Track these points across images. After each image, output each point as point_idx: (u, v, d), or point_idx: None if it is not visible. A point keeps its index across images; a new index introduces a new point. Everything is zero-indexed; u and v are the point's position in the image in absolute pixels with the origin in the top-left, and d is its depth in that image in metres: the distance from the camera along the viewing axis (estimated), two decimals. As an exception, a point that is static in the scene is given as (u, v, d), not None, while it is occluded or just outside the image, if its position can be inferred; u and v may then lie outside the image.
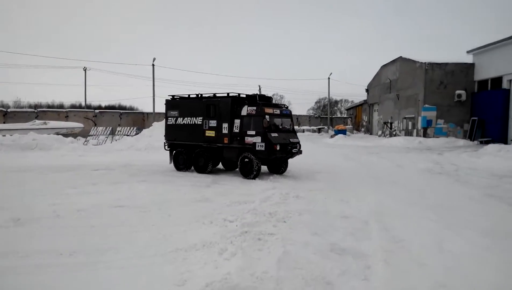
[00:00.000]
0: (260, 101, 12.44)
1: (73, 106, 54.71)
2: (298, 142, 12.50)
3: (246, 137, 11.92)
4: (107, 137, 27.68)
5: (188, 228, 6.40)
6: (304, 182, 11.35)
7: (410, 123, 32.47)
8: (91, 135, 28.38)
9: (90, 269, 4.68)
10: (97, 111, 41.50)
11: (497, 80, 26.92)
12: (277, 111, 12.34)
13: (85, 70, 47.72)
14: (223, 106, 12.54)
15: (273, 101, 13.84)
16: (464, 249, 5.53)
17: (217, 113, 12.63)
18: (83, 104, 48.44)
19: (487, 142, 25.30)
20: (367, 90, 45.31)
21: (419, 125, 30.30)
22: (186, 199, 8.82)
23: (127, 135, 27.19)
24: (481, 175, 13.11)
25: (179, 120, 13.79)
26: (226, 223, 6.68)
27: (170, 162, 14.20)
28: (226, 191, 9.74)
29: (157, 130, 22.98)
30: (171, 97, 14.38)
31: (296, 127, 25.76)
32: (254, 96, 12.69)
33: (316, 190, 10.04)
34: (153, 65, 41.44)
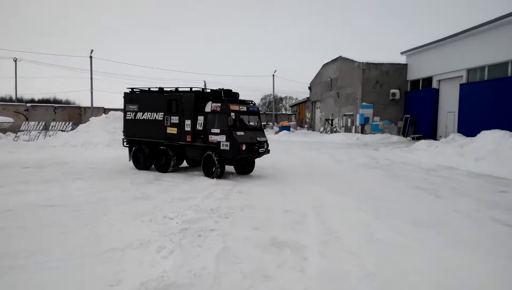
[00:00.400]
0: (226, 97, 11.56)
1: (2, 100, 50.76)
2: (266, 141, 11.72)
3: (210, 136, 11.11)
4: (39, 132, 26.01)
5: (125, 227, 6.20)
6: (248, 178, 11.45)
7: (349, 120, 33.84)
8: (22, 131, 26.52)
9: (16, 272, 4.38)
10: (29, 104, 38.77)
11: (428, 80, 28.82)
12: (244, 108, 11.49)
13: (15, 61, 44.39)
14: (185, 102, 11.68)
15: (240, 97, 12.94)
16: (393, 238, 5.88)
17: (180, 109, 11.76)
18: (14, 97, 45.07)
19: (418, 138, 27.06)
20: (309, 88, 46.52)
21: (357, 122, 31.69)
22: (125, 197, 8.53)
23: (62, 131, 25.72)
24: (411, 169, 14.00)
25: (139, 115, 12.84)
26: (166, 220, 6.56)
27: (129, 160, 13.29)
28: (169, 188, 9.56)
29: (95, 125, 21.98)
30: (130, 90, 13.34)
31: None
32: (219, 91, 11.74)
33: (259, 186, 10.17)
34: (90, 57, 39.51)
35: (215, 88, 12.18)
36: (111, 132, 21.25)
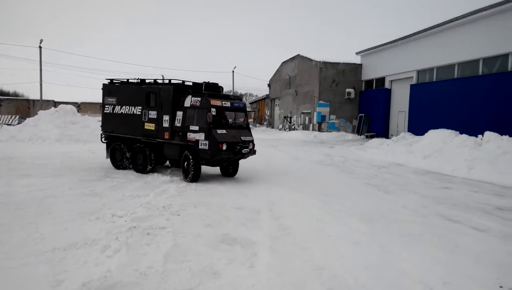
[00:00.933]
0: (207, 90, 10.52)
1: None
2: (251, 141, 10.61)
3: (188, 133, 10.02)
4: (-18, 126, 24.45)
5: (70, 225, 5.93)
6: (203, 175, 11.33)
7: (307, 118, 34.42)
8: (-37, 124, 24.83)
9: None
10: (-29, 96, 36.33)
11: (381, 80, 29.86)
12: (227, 104, 10.35)
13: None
14: (164, 95, 10.56)
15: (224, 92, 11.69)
16: (343, 233, 6.03)
17: (158, 102, 10.69)
18: (-47, 88, 42.00)
19: (372, 137, 28.01)
20: (269, 85, 46.86)
21: (315, 120, 32.30)
22: (72, 194, 8.17)
23: (8, 125, 24.32)
24: (364, 166, 14.45)
25: (117, 109, 11.82)
26: (115, 218, 6.35)
27: (107, 157, 12.28)
28: (120, 185, 9.27)
29: (44, 119, 20.93)
30: (108, 81, 12.26)
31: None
32: (200, 84, 10.71)
33: (214, 183, 10.09)
34: (40, 47, 37.57)
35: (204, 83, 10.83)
36: (61, 126, 20.32)
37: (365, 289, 4.11)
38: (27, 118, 23.57)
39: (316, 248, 5.30)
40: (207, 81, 10.84)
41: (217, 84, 11.17)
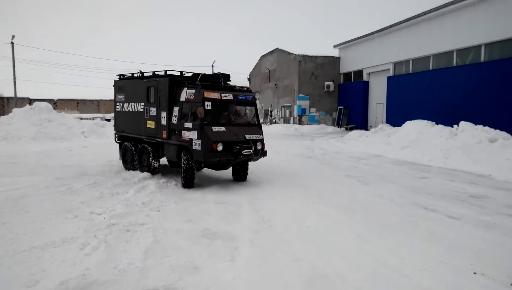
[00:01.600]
0: (204, 81, 9.31)
1: None
2: (259, 140, 9.05)
3: (183, 131, 8.90)
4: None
5: (47, 224, 5.82)
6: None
7: (287, 111, 34.56)
8: None
9: None
10: None
11: (359, 73, 30.20)
12: (229, 96, 9.00)
13: None
14: (161, 89, 9.60)
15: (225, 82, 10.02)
16: (321, 224, 6.11)
17: (156, 98, 9.77)
18: None
19: (351, 129, 28.36)
20: (249, 79, 46.75)
21: (295, 113, 32.46)
22: (49, 193, 8.01)
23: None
24: (343, 158, 14.63)
25: (125, 106, 11.16)
26: (93, 216, 6.26)
27: (120, 158, 11.50)
28: (98, 182, 9.13)
29: (19, 117, 20.39)
30: (119, 76, 11.52)
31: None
32: (197, 75, 9.57)
33: (196, 178, 10.04)
34: (12, 43, 36.46)
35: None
36: (36, 124, 19.83)
37: (343, 279, 4.19)
38: (1, 117, 22.89)
39: (295, 239, 5.36)
40: (219, 72, 9.83)
41: (218, 73, 9.87)
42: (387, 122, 24.59)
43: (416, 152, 14.56)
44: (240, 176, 9.82)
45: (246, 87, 9.81)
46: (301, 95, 31.59)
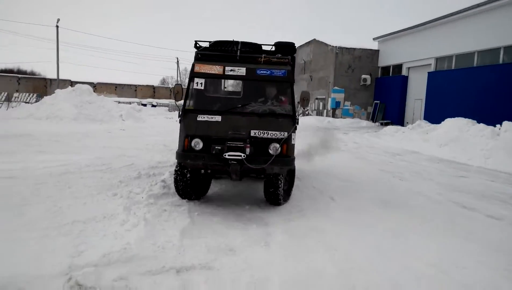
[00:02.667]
0: (214, 49, 6.55)
1: (-41, 68, 47.96)
2: (277, 140, 5.74)
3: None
4: (1, 103, 24.88)
5: (89, 200, 6.06)
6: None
7: (321, 104, 34.20)
8: (-18, 101, 25.31)
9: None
10: (-11, 74, 36.92)
11: (398, 67, 29.39)
12: (238, 71, 6.10)
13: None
14: None
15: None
16: (356, 217, 6.04)
17: None
18: (-28, 66, 42.73)
19: (386, 124, 27.72)
20: (283, 70, 46.50)
21: (329, 106, 32.06)
22: (90, 171, 8.32)
23: (26, 102, 24.72)
24: (378, 152, 14.36)
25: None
26: (132, 195, 6.44)
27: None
28: (135, 164, 9.38)
29: (61, 98, 21.20)
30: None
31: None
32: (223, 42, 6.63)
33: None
34: (57, 26, 37.81)
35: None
36: (77, 106, 20.56)
37: (377, 272, 4.14)
38: (45, 97, 23.91)
39: (329, 230, 5.33)
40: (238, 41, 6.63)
41: (233, 40, 6.60)
42: (425, 118, 23.86)
43: (455, 150, 14.08)
44: (270, 195, 6.27)
45: (277, 58, 6.44)
46: (336, 87, 31.13)
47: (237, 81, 7.16)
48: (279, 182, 6.10)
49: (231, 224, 5.38)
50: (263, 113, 6.08)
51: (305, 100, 6.41)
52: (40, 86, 39.43)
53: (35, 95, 26.92)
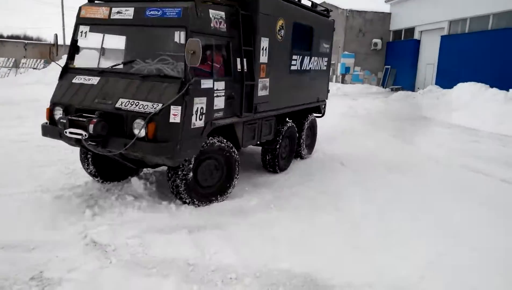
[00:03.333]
0: None
1: (-34, 34, 47.56)
2: (145, 114, 4.07)
3: None
4: (10, 69, 24.85)
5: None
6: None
7: (330, 70, 33.63)
8: (-10, 67, 25.31)
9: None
10: (-4, 40, 36.76)
11: (410, 31, 28.57)
12: (127, 12, 4.58)
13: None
14: None
15: None
16: (360, 179, 6.06)
17: None
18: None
19: (397, 90, 27.27)
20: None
21: (338, 72, 31.53)
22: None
23: (34, 68, 24.67)
24: (388, 118, 14.21)
25: None
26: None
27: None
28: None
29: (69, 64, 21.06)
30: None
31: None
32: None
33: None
34: (62, -9, 37.02)
35: None
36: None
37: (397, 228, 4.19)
38: (53, 62, 23.78)
39: (337, 192, 5.36)
40: None
41: None
42: (436, 83, 23.40)
43: (466, 115, 13.85)
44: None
45: None
46: (346, 52, 30.47)
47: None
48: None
49: (241, 187, 5.42)
50: (149, 75, 4.44)
51: (192, 54, 3.86)
52: (47, 52, 39.25)
53: (42, 61, 26.80)
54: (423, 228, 4.35)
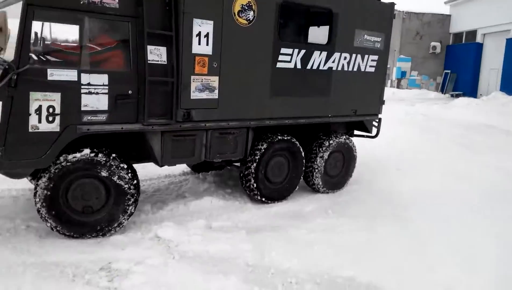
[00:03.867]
0: None
1: None
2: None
3: None
4: None
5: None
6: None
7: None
8: None
9: None
10: None
11: (472, 33, 27.11)
12: None
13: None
14: None
15: None
16: (430, 189, 5.78)
17: None
18: None
19: (457, 96, 25.95)
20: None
21: (394, 76, 30.55)
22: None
23: None
24: (449, 125, 13.51)
25: None
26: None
27: None
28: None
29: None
30: None
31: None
32: None
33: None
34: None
35: None
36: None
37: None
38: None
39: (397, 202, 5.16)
40: None
41: None
42: (501, 90, 22.01)
43: (537, 124, 12.89)
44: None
45: None
46: (402, 56, 29.45)
47: None
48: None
49: (299, 192, 5.37)
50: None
51: None
52: None
53: None
54: (495, 246, 4.06)
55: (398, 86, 29.88)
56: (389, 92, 27.56)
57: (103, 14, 3.53)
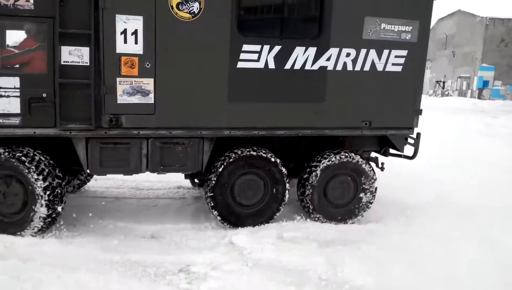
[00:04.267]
0: None
1: None
2: None
3: None
4: None
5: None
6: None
7: (464, 83, 30.73)
8: None
9: None
10: None
11: None
12: None
13: None
14: None
15: None
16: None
17: None
18: None
19: (548, 107, 23.63)
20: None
21: (474, 86, 28.60)
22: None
23: None
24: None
25: None
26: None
27: None
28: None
29: None
30: None
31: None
32: None
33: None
34: None
35: None
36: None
37: None
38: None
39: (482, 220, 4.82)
40: None
41: None
42: None
43: None
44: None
45: None
46: (484, 64, 27.52)
47: None
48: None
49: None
50: None
51: None
52: None
53: None
54: None
55: (479, 96, 27.91)
56: (469, 103, 25.90)
57: (17, 16, 3.46)
